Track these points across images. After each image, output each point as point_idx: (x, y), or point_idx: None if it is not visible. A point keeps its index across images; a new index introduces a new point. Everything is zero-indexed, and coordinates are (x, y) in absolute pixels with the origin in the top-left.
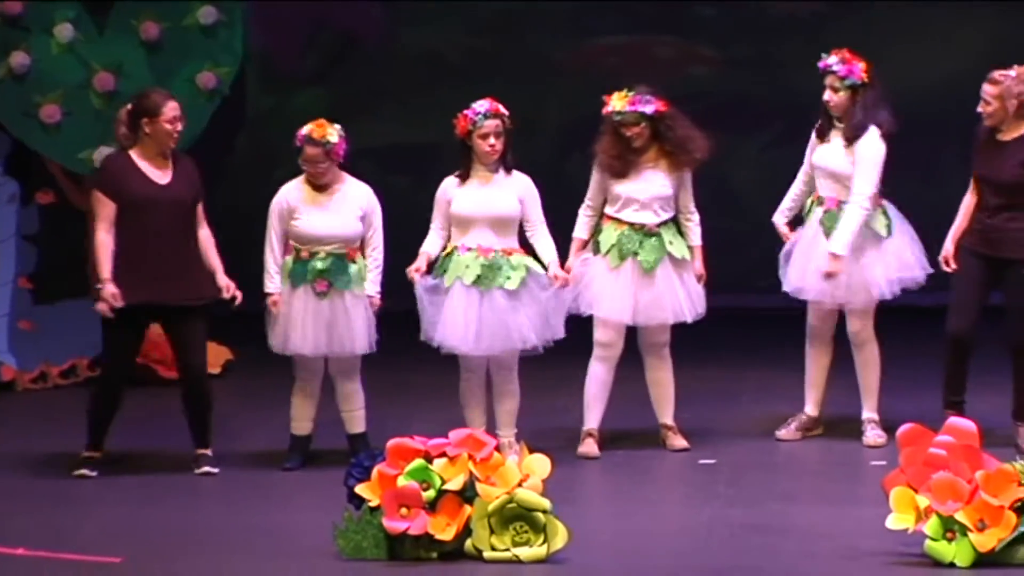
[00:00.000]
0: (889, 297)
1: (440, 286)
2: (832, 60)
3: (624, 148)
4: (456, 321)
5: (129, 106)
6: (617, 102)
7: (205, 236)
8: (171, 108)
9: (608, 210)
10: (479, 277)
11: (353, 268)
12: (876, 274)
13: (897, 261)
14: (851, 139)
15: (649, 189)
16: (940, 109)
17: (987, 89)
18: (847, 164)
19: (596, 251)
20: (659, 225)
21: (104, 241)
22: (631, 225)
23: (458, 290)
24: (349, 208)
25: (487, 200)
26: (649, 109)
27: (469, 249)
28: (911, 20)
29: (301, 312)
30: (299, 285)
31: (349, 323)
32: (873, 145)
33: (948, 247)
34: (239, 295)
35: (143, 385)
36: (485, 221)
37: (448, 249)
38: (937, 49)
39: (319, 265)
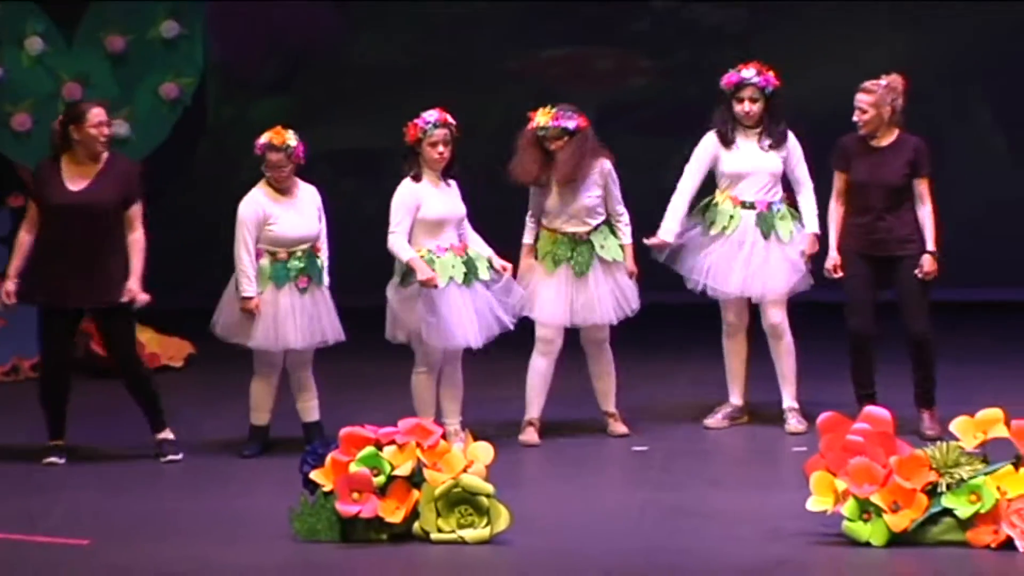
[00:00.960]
0: (785, 292)
1: (448, 287)
2: (750, 73)
3: (547, 162)
4: (461, 319)
5: (63, 114)
6: (541, 118)
7: (134, 239)
8: (95, 114)
9: (543, 221)
10: (466, 274)
11: (319, 262)
12: (781, 268)
13: (801, 258)
14: (779, 142)
15: (576, 201)
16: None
17: (862, 98)
18: (777, 164)
19: (535, 257)
20: (589, 232)
21: (22, 239)
22: (564, 234)
23: (454, 290)
24: (309, 208)
25: (453, 203)
26: (571, 125)
27: (446, 250)
28: (834, 29)
29: (290, 309)
30: (283, 285)
31: (329, 314)
32: (796, 142)
33: (835, 256)
34: (142, 299)
35: (105, 377)
36: (453, 222)
37: (420, 253)
38: (855, 57)
39: (299, 264)
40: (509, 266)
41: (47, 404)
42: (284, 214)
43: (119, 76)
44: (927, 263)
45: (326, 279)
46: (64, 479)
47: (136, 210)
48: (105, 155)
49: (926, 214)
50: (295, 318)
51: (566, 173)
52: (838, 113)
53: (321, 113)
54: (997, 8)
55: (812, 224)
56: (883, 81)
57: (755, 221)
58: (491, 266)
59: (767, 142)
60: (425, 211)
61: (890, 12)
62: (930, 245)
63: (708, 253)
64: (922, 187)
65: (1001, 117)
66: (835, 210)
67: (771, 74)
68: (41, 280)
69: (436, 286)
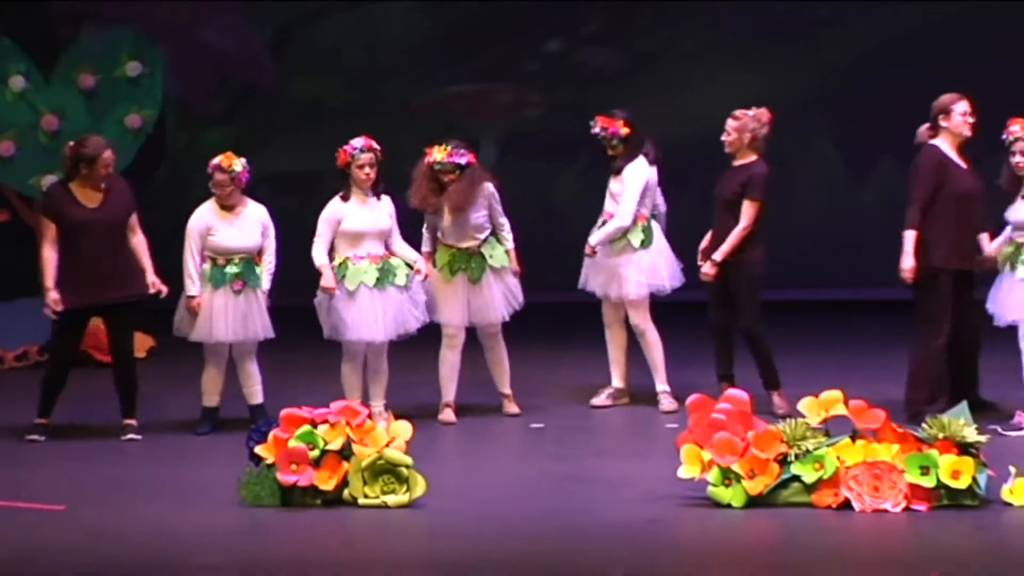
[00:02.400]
0: (635, 297)
1: (343, 291)
2: (598, 128)
3: (440, 190)
4: (367, 317)
5: (72, 147)
6: (438, 154)
7: (138, 241)
8: (107, 157)
9: (439, 237)
10: (378, 279)
11: (258, 270)
12: (629, 277)
13: (648, 269)
14: (618, 171)
15: (467, 223)
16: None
17: (730, 123)
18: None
19: (435, 266)
20: (480, 245)
21: (48, 256)
22: (459, 249)
23: (364, 293)
24: (252, 225)
25: (373, 218)
26: (463, 160)
27: (362, 258)
28: (698, 70)
29: (223, 308)
30: (219, 287)
31: (261, 313)
32: (633, 174)
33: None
34: (164, 289)
35: (82, 367)
36: (374, 235)
37: (339, 260)
38: (716, 93)
39: (235, 269)
40: (424, 272)
41: (46, 387)
42: (225, 227)
43: (90, 109)
44: (707, 266)
45: (265, 284)
46: (44, 453)
47: (135, 218)
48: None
49: (736, 230)
50: (226, 316)
51: (459, 202)
52: (707, 139)
53: (263, 141)
54: (838, 49)
55: (592, 237)
56: (751, 112)
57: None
58: (409, 271)
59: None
60: (346, 225)
61: (746, 54)
62: (717, 255)
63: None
64: (744, 207)
65: (839, 144)
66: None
67: (617, 123)
68: (78, 285)
69: (333, 294)
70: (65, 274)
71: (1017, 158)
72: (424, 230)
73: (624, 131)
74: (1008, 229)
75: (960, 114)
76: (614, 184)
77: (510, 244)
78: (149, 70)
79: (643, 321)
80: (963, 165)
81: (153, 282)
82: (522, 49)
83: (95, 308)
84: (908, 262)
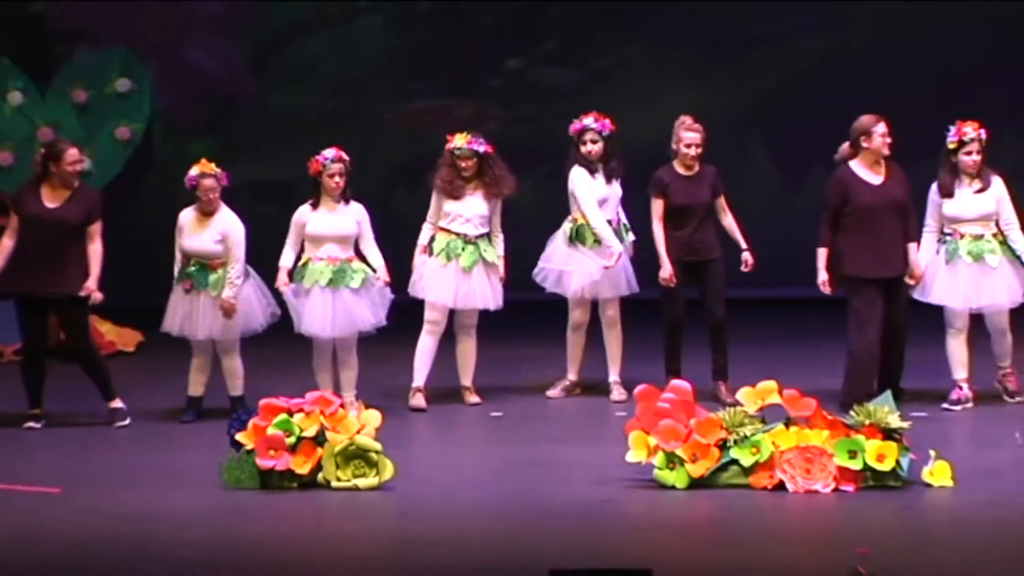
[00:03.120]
0: (628, 293)
1: (302, 289)
2: (589, 120)
3: (457, 175)
4: (317, 314)
5: (43, 150)
6: (459, 140)
7: (94, 250)
8: (71, 155)
9: (441, 223)
10: (331, 279)
11: (210, 275)
12: (621, 276)
13: (628, 267)
14: (612, 176)
15: (471, 209)
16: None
17: (695, 137)
18: (618, 191)
19: (431, 253)
20: (477, 237)
21: (4, 244)
22: (456, 235)
23: (316, 291)
24: (210, 234)
25: (334, 223)
26: (481, 149)
27: (321, 259)
28: (643, 87)
29: (176, 304)
30: (177, 284)
31: (215, 314)
32: (578, 176)
33: (669, 267)
34: (97, 296)
35: (72, 360)
36: (334, 239)
37: (304, 260)
38: (663, 108)
39: (191, 270)
40: (388, 280)
41: (27, 381)
42: (192, 232)
43: (83, 122)
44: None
45: (227, 291)
46: (40, 440)
47: (96, 227)
48: (76, 184)
49: (733, 225)
50: (178, 312)
51: (507, 186)
52: (656, 150)
53: (243, 152)
54: (775, 65)
55: (617, 244)
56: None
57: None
58: (369, 276)
59: (608, 175)
60: (309, 228)
61: (691, 71)
62: (748, 252)
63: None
64: (721, 203)
65: (774, 156)
66: (660, 230)
67: (607, 120)
68: (17, 275)
69: (283, 291)
70: (12, 263)
71: (974, 156)
72: (426, 223)
73: (613, 129)
74: (928, 232)
75: (880, 135)
76: (602, 183)
77: (501, 251)
78: (137, 86)
79: (618, 315)
80: (874, 182)
81: (88, 287)
82: (484, 67)
83: (43, 302)
84: (821, 276)
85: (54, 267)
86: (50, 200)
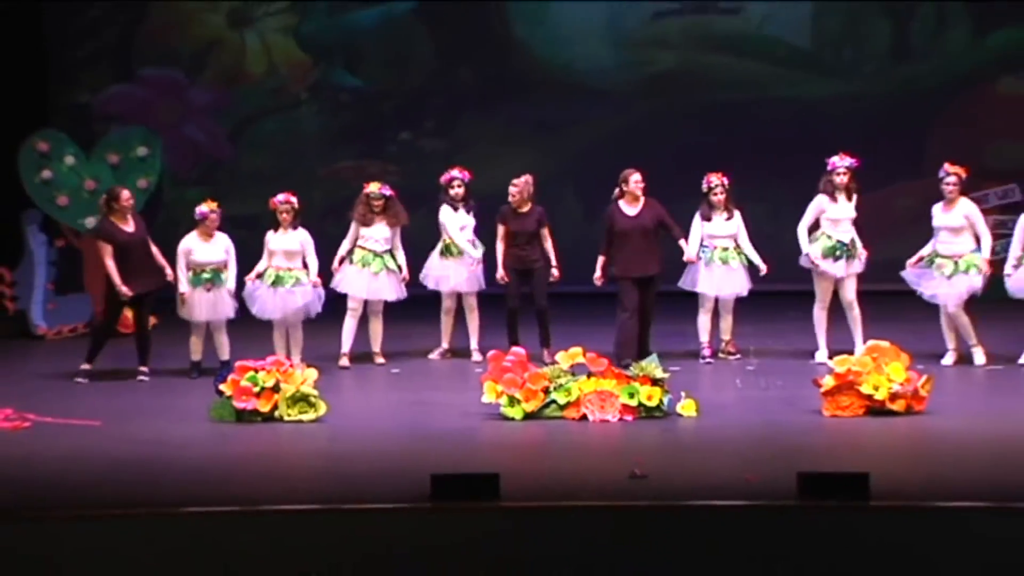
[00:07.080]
0: (480, 289)
1: (262, 286)
2: (455, 172)
3: (369, 210)
4: (266, 305)
5: (104, 197)
6: (373, 187)
7: (155, 251)
8: (125, 196)
9: (359, 243)
10: (274, 281)
11: (222, 275)
12: (475, 277)
13: (479, 274)
14: (469, 210)
15: (379, 233)
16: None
17: (513, 189)
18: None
19: (351, 262)
20: (382, 252)
21: (111, 265)
22: (368, 251)
23: (264, 289)
24: (216, 249)
25: (286, 242)
26: (387, 192)
27: (276, 268)
28: (496, 146)
29: (197, 300)
30: (196, 286)
31: (225, 302)
32: (445, 213)
33: (502, 271)
34: (171, 274)
35: (113, 337)
36: (283, 254)
37: (266, 267)
38: (501, 170)
39: (207, 276)
40: (318, 283)
41: (97, 341)
42: (200, 250)
43: (116, 177)
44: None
45: (231, 285)
46: (85, 388)
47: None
48: (130, 213)
49: (550, 246)
50: (200, 304)
51: (401, 219)
52: (497, 196)
53: (225, 196)
54: (578, 140)
55: (476, 254)
56: (523, 178)
57: None
58: (302, 279)
59: (463, 210)
60: (270, 246)
61: (523, 142)
62: (556, 267)
63: None
64: (544, 234)
65: (579, 199)
66: (502, 247)
67: (467, 172)
68: (130, 281)
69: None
70: (125, 273)
71: (719, 197)
72: (346, 241)
73: (470, 178)
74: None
75: (634, 182)
76: (465, 217)
77: (402, 262)
78: (152, 152)
79: (476, 302)
80: (631, 214)
81: (169, 274)
82: (386, 138)
83: (139, 296)
84: (597, 274)
85: (147, 270)
86: (125, 226)
